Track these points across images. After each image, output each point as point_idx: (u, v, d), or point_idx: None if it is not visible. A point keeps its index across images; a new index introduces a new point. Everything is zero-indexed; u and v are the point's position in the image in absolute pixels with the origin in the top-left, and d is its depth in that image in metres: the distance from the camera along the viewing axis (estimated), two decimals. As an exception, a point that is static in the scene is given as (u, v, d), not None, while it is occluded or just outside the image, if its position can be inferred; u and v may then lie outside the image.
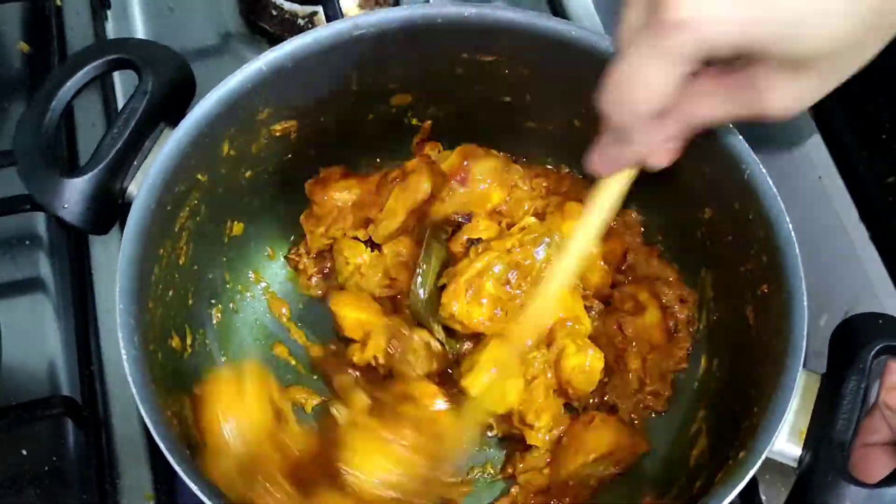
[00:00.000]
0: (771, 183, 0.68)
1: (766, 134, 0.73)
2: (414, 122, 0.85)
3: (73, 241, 0.86)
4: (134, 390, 0.62)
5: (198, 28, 1.02)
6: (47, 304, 0.86)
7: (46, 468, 0.78)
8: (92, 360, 0.81)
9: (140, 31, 1.02)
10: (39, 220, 0.89)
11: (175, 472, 0.60)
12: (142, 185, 0.68)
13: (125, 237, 0.66)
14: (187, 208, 0.73)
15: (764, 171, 0.68)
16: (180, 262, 0.74)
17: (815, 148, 0.78)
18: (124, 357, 0.63)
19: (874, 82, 0.72)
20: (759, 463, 0.60)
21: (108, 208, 0.70)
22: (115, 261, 0.66)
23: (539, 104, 0.81)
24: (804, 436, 0.63)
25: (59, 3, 0.99)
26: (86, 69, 0.71)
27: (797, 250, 0.66)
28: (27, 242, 0.88)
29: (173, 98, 0.72)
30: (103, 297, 0.85)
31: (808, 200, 0.78)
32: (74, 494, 0.77)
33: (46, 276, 0.87)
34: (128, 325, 0.64)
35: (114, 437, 0.79)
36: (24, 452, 0.78)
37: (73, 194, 0.68)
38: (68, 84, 0.70)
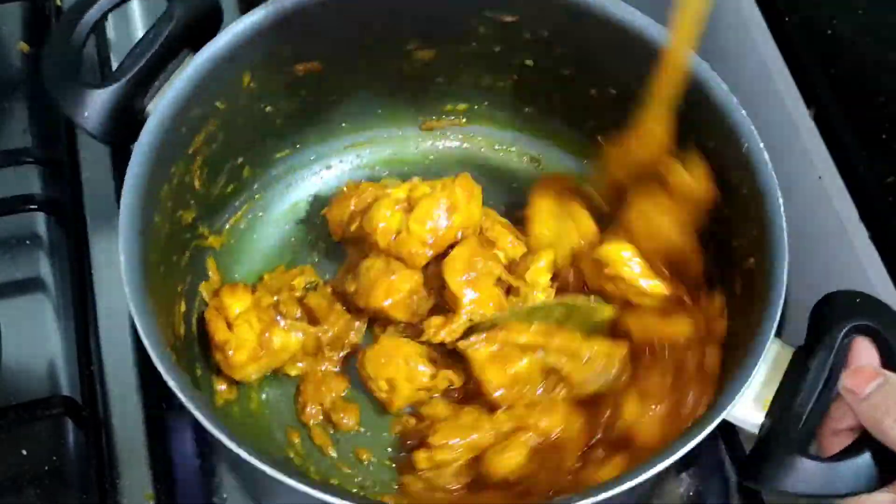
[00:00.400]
0: (767, 157, 0.69)
1: (766, 134, 0.73)
2: (439, 80, 0.86)
3: (73, 241, 0.86)
4: (129, 295, 0.63)
5: (198, 28, 1.02)
6: (47, 304, 0.85)
7: (46, 468, 0.77)
8: (92, 360, 0.81)
9: (140, 31, 1.01)
10: (39, 220, 0.89)
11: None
12: (158, 103, 0.70)
13: (135, 150, 0.68)
14: (203, 133, 0.75)
15: (762, 145, 0.69)
16: (195, 186, 0.76)
17: (815, 148, 0.78)
18: (123, 265, 0.64)
19: (874, 82, 0.72)
20: (716, 421, 0.60)
21: (128, 123, 0.71)
22: (115, 261, 0.65)
23: (557, 70, 0.82)
24: (768, 404, 0.63)
25: (59, 3, 0.99)
26: (115, -8, 0.72)
27: (784, 222, 0.66)
28: (27, 242, 0.88)
29: (199, 26, 0.74)
30: (103, 297, 0.84)
31: (808, 200, 0.78)
32: (74, 494, 0.76)
33: (46, 276, 0.87)
34: (130, 238, 0.65)
35: (114, 437, 0.79)
36: (24, 452, 0.78)
37: (94, 105, 0.69)
38: (99, 3, 0.72)
